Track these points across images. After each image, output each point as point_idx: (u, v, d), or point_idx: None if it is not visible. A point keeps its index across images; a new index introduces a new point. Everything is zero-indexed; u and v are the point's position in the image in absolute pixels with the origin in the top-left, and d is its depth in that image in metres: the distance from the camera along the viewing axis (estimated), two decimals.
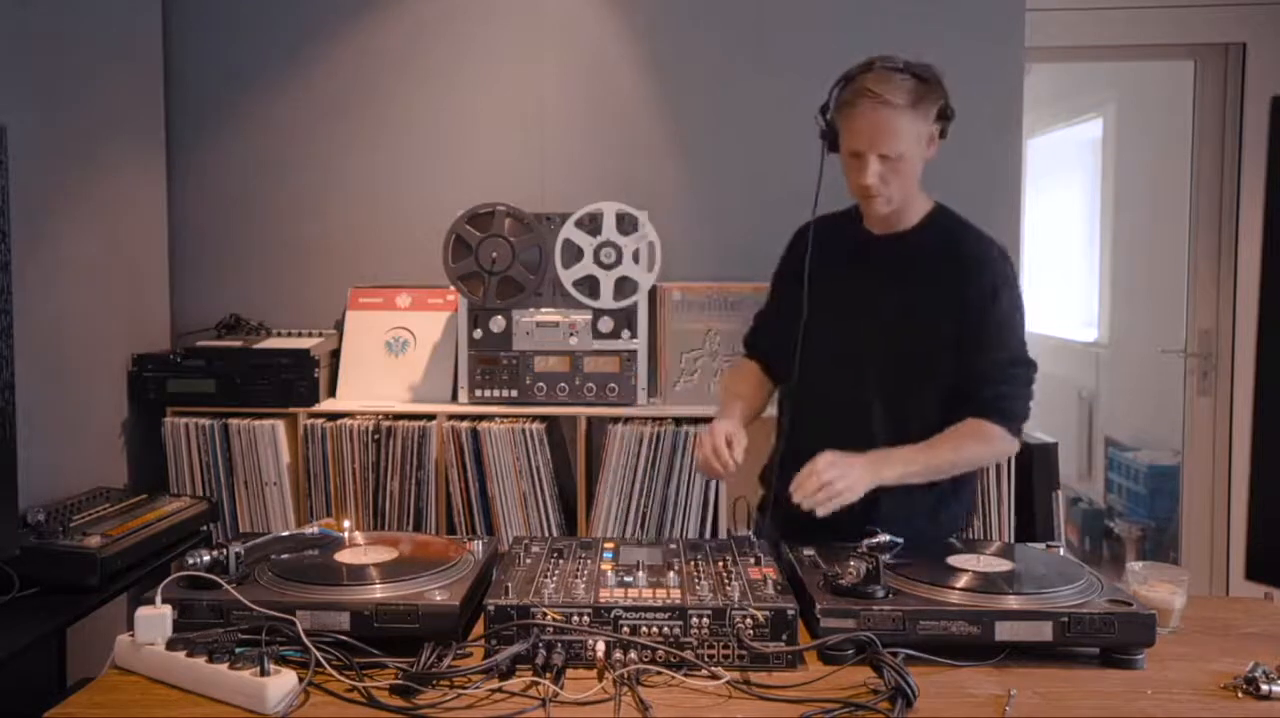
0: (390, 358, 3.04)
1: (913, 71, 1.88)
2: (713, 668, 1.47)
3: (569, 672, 1.47)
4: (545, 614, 1.50)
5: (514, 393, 2.87)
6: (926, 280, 1.97)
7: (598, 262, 2.84)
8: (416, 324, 3.06)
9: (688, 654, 1.49)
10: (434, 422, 2.81)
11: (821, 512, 1.75)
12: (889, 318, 1.98)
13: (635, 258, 2.84)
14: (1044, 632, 1.51)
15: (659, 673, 1.47)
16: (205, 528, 2.44)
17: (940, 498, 2.02)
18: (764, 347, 2.23)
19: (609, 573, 1.64)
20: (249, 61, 3.16)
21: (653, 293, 2.90)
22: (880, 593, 1.56)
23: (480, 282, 2.85)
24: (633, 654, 1.48)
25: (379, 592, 1.57)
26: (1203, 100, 3.79)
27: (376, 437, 2.80)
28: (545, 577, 1.63)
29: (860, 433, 1.95)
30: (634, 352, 2.86)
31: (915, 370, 1.97)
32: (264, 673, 1.37)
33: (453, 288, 2.88)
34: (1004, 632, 1.52)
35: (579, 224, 2.85)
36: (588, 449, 2.86)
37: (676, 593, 1.56)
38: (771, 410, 2.26)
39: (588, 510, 2.82)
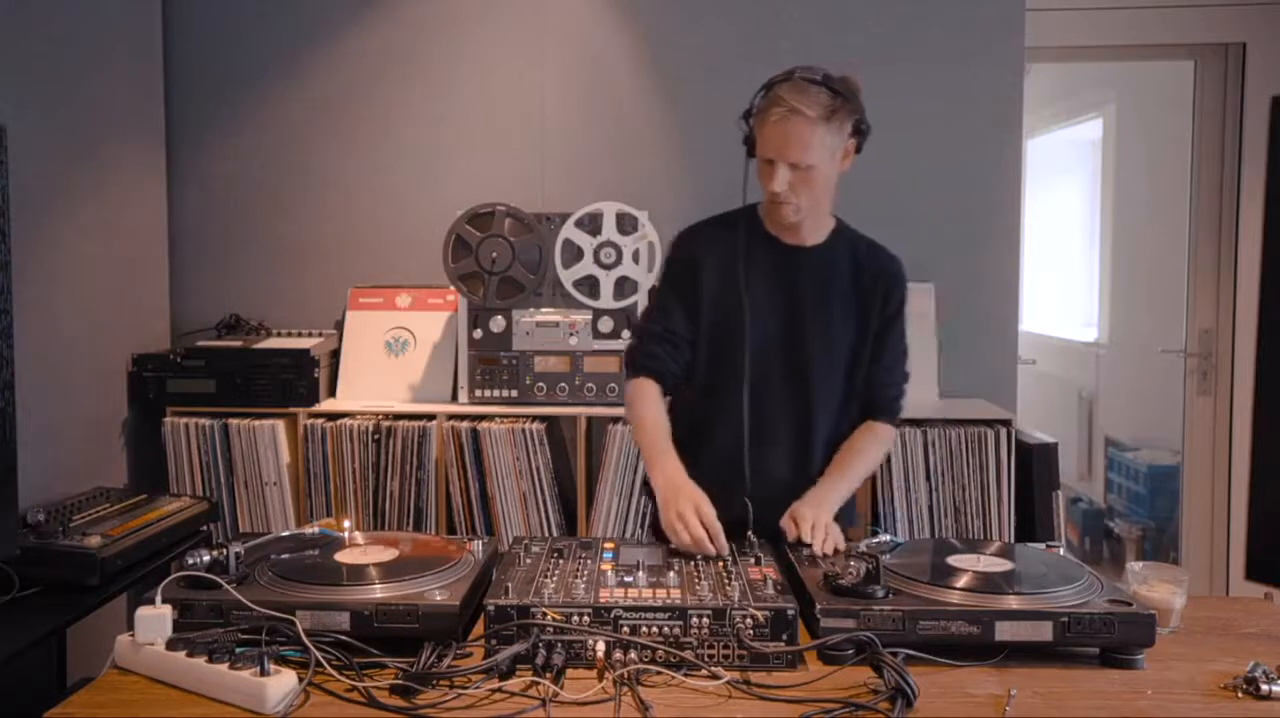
0: (390, 358, 3.04)
1: (830, 85, 1.89)
2: (713, 668, 1.47)
3: (569, 672, 1.47)
4: (545, 614, 1.50)
5: (514, 393, 2.87)
6: (846, 293, 2.04)
7: (598, 262, 2.84)
8: (416, 324, 3.06)
9: (688, 654, 1.49)
10: (434, 422, 2.81)
11: (830, 549, 1.82)
12: (810, 326, 2.02)
13: (635, 258, 2.84)
14: (1044, 632, 1.51)
15: (659, 673, 1.47)
16: (205, 528, 2.44)
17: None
18: (664, 364, 2.04)
19: (609, 573, 1.64)
20: (249, 62, 3.17)
21: (652, 293, 2.90)
22: (880, 593, 1.56)
23: (480, 282, 2.85)
24: (633, 654, 1.48)
25: (379, 592, 1.57)
26: (1203, 100, 3.78)
27: (376, 437, 2.80)
28: (545, 577, 1.62)
29: (779, 436, 2.03)
30: None
31: (828, 377, 2.04)
32: (264, 673, 1.37)
33: (453, 288, 2.89)
34: (1004, 632, 1.52)
35: (579, 224, 2.85)
36: (588, 449, 2.86)
37: (676, 593, 1.56)
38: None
39: (588, 510, 2.83)
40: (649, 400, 2.01)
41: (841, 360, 2.04)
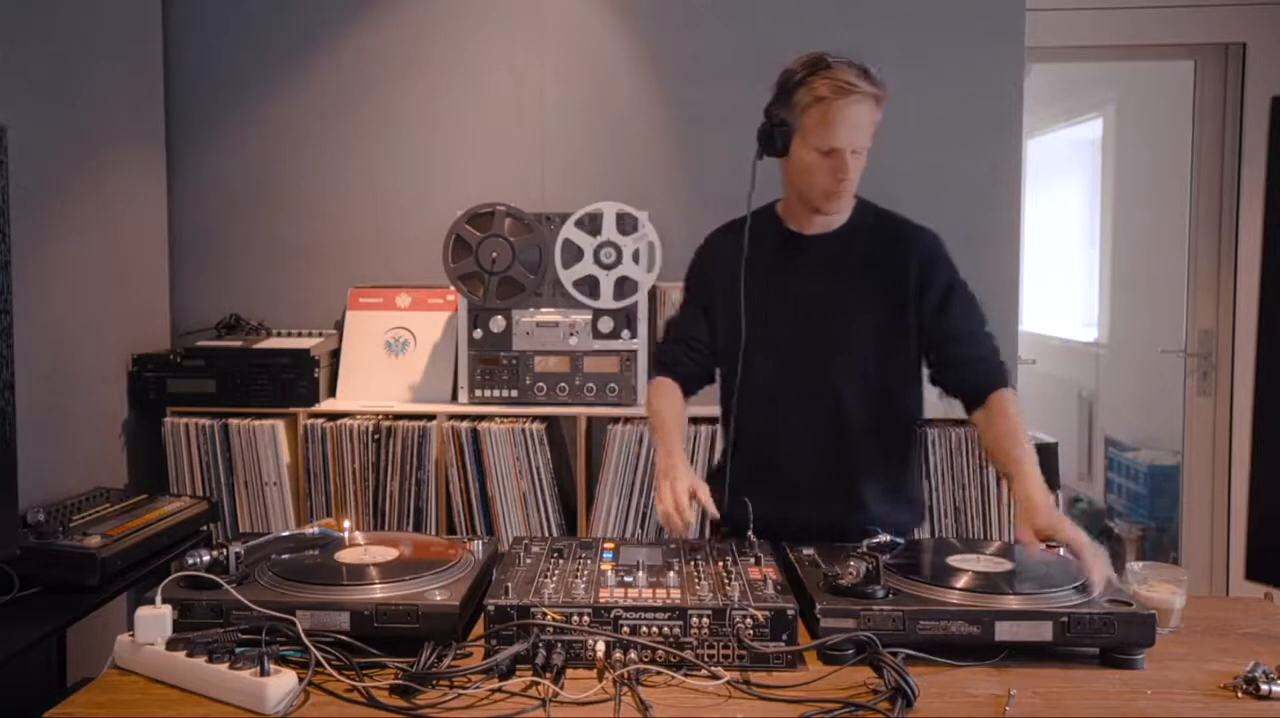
0: (390, 358, 3.04)
1: (854, 64, 1.84)
2: (713, 668, 1.47)
3: (569, 672, 1.47)
4: (545, 614, 1.50)
5: (514, 393, 2.87)
6: (881, 270, 1.97)
7: (598, 262, 2.84)
8: (416, 324, 3.06)
9: (688, 654, 1.49)
10: (434, 422, 2.81)
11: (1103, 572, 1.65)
12: (850, 309, 1.97)
13: (635, 258, 2.84)
14: (1044, 632, 1.51)
15: (659, 673, 1.47)
16: (205, 528, 2.44)
17: (906, 494, 2.12)
18: (685, 368, 2.06)
19: (609, 573, 1.64)
20: (248, 62, 3.17)
21: (652, 293, 2.90)
22: (880, 593, 1.56)
23: (480, 282, 2.85)
24: (633, 654, 1.48)
25: (379, 592, 1.57)
26: (1203, 100, 3.78)
27: (376, 437, 2.80)
28: (545, 577, 1.63)
29: (832, 423, 1.99)
30: (634, 352, 2.86)
31: (883, 356, 1.98)
32: (264, 673, 1.37)
33: (453, 288, 2.89)
34: (1004, 632, 1.52)
35: (579, 224, 2.85)
36: (588, 449, 2.86)
37: (676, 593, 1.56)
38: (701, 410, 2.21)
39: (588, 510, 2.83)
40: (663, 394, 2.04)
41: (901, 330, 1.95)
